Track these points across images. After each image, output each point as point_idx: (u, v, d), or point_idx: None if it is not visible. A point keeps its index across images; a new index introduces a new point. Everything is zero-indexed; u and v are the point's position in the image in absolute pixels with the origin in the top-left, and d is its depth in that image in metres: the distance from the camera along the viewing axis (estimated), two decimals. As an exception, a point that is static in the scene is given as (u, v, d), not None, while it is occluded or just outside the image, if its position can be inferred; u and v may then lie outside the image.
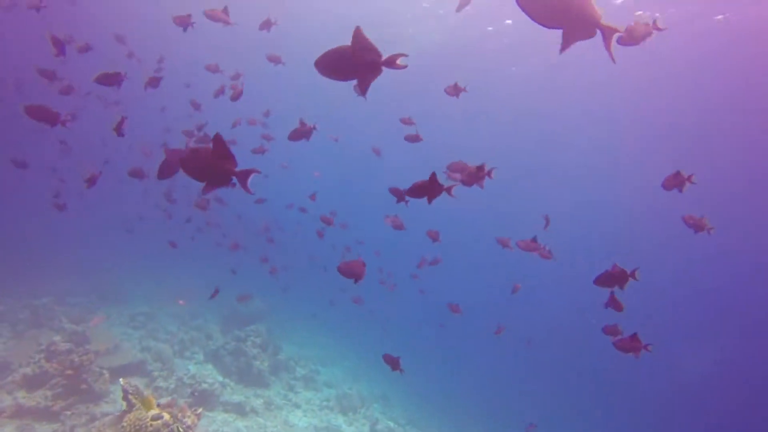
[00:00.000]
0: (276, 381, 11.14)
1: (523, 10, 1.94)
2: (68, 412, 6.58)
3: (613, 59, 2.12)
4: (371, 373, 14.42)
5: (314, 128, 4.78)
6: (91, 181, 4.88)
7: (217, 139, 2.05)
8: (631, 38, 3.99)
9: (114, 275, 13.59)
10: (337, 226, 8.76)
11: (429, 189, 3.12)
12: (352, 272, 3.35)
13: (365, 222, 17.58)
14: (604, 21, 2.02)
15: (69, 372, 6.74)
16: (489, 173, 3.50)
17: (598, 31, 2.07)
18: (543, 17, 1.94)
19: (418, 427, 11.97)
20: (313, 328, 15.83)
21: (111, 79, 4.39)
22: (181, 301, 11.15)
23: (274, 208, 12.25)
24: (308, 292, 16.39)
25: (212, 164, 2.07)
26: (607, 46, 2.08)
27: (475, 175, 3.50)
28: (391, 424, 11.06)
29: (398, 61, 2.12)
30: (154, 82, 5.53)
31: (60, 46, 5.03)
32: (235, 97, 6.27)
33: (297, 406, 10.48)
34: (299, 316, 15.80)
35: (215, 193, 9.41)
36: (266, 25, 6.67)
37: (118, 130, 4.26)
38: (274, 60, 7.61)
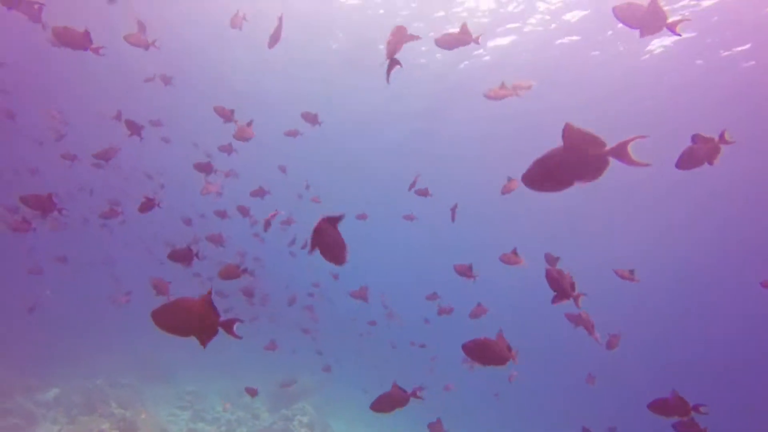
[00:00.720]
0: (326, 464, 10.26)
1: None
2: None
3: None
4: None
5: None
6: (147, 206, 4.74)
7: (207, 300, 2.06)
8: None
9: (161, 353, 13.62)
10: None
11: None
12: None
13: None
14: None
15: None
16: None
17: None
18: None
19: None
20: (363, 403, 14.89)
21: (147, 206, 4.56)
22: (227, 405, 10.84)
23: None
24: (356, 366, 15.67)
25: (196, 317, 2.05)
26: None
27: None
28: None
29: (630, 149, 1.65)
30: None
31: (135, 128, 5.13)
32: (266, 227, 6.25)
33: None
34: (348, 391, 15.00)
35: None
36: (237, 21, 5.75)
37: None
38: (311, 120, 6.50)
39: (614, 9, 3.02)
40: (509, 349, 2.69)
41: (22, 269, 10.76)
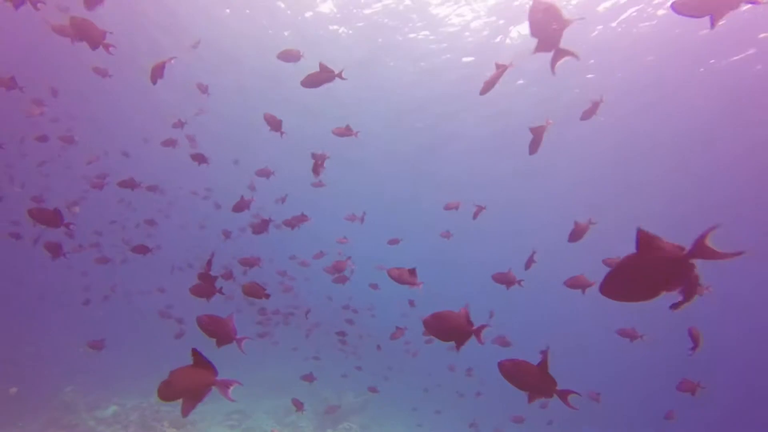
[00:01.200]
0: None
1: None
2: None
3: None
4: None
5: None
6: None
7: (195, 354, 2.33)
8: None
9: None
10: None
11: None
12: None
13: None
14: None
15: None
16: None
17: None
18: None
19: None
20: (410, 420, 14.47)
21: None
22: (274, 431, 10.90)
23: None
24: (402, 384, 15.26)
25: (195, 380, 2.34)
26: None
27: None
28: None
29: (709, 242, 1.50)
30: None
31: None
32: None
33: None
34: (392, 410, 14.61)
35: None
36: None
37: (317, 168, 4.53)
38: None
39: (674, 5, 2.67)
40: (470, 322, 2.48)
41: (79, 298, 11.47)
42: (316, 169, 4.61)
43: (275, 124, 5.13)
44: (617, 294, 1.67)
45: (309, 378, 8.37)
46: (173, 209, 15.32)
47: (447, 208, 7.10)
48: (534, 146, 3.95)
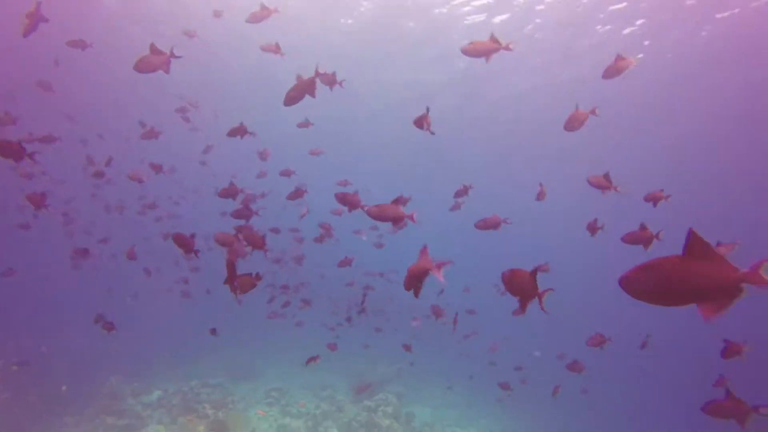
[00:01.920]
0: (414, 451, 10.10)
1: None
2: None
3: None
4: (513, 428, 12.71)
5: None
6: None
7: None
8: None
9: (245, 353, 14.33)
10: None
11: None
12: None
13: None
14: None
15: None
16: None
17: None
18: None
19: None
20: (444, 385, 14.64)
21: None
22: (302, 403, 11.03)
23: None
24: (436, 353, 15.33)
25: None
26: None
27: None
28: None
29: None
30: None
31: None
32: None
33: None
34: (431, 377, 14.78)
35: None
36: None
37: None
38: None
39: None
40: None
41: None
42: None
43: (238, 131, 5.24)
44: (640, 292, 1.55)
45: (332, 347, 8.36)
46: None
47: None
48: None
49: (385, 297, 13.57)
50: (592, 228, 5.01)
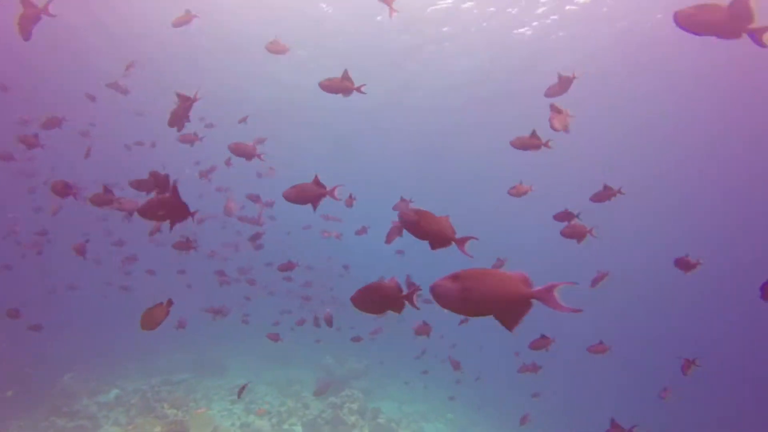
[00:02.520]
0: (379, 448, 10.08)
1: None
2: None
3: None
4: (479, 421, 12.84)
5: None
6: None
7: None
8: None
9: (212, 348, 13.98)
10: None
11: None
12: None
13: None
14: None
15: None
16: None
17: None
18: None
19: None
20: (413, 381, 14.69)
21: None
22: (261, 410, 10.75)
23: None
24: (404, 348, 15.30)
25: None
26: None
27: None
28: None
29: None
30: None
31: None
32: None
33: (404, 479, 9.27)
34: (398, 370, 14.76)
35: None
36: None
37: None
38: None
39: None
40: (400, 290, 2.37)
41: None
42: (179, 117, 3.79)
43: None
44: (448, 301, 1.60)
45: (274, 337, 7.75)
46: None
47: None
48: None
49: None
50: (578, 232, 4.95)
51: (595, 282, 5.44)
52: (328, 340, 12.40)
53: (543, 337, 5.18)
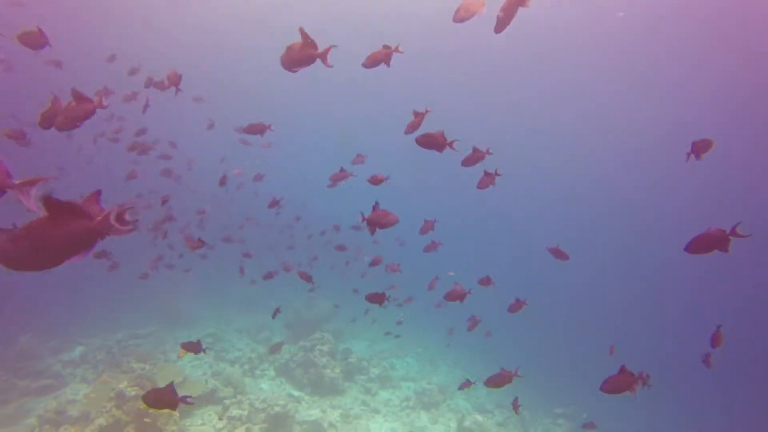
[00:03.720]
0: (351, 386, 10.69)
1: None
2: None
3: None
4: (447, 354, 13.67)
5: None
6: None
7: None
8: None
9: (178, 300, 13.82)
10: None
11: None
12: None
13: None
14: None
15: (147, 420, 6.59)
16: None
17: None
18: None
19: (508, 408, 10.98)
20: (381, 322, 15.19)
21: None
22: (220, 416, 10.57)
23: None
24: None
25: None
26: None
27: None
28: (479, 418, 10.16)
29: None
30: None
31: None
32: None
33: (376, 411, 9.92)
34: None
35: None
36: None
37: None
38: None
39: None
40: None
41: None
42: None
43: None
44: (18, 263, 1.54)
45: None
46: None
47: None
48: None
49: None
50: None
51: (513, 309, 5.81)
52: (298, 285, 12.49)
53: (518, 301, 5.60)
